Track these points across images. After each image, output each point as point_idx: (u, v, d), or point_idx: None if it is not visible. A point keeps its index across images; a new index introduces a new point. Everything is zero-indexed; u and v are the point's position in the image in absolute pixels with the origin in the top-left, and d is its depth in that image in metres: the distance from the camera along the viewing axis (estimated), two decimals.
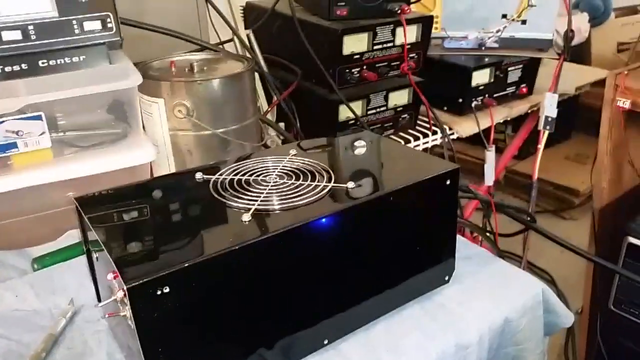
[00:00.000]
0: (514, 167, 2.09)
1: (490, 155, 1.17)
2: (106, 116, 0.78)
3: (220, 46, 1.09)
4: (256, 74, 1.04)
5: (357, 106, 1.05)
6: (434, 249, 0.67)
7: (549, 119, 1.28)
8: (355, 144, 0.72)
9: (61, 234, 0.80)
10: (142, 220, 0.57)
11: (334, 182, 0.61)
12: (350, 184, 0.60)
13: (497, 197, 1.35)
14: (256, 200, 0.57)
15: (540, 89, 1.32)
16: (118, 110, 0.79)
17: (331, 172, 0.63)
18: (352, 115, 1.03)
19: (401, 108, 1.12)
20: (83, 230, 0.61)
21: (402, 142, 1.11)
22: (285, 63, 1.06)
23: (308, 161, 0.67)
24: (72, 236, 0.79)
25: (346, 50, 0.99)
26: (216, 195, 0.59)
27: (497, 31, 1.29)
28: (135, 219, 0.57)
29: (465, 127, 1.19)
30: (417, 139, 1.14)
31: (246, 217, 0.54)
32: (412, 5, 1.08)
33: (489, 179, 1.18)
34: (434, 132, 1.15)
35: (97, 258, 0.60)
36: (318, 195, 0.58)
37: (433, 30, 1.20)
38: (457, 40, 1.26)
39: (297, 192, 0.59)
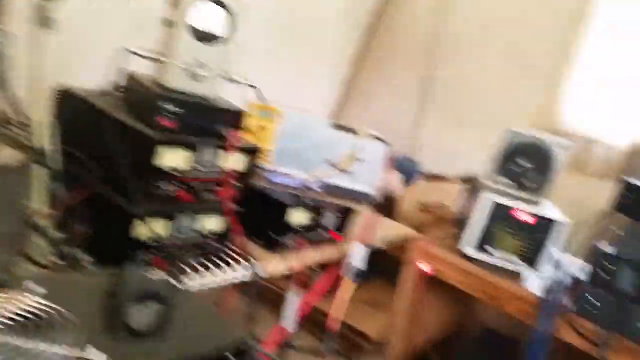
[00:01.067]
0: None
1: (293, 300, 1.13)
2: None
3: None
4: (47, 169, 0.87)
5: (163, 225, 0.94)
6: None
7: (355, 269, 1.32)
8: (130, 289, 0.60)
9: None
10: None
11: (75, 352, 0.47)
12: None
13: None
14: None
15: (353, 237, 1.37)
16: None
17: (81, 333, 0.50)
18: (154, 235, 0.91)
19: (212, 234, 1.04)
20: None
21: (206, 270, 1.01)
22: (85, 161, 0.93)
23: (52, 307, 0.52)
24: None
25: (162, 163, 0.91)
26: None
27: (322, 176, 1.33)
28: None
29: (274, 264, 1.15)
30: (223, 267, 1.05)
31: None
32: (245, 134, 1.06)
33: (289, 324, 1.13)
34: (241, 264, 1.08)
35: None
36: None
37: (262, 162, 1.18)
38: (283, 177, 1.27)
39: None
